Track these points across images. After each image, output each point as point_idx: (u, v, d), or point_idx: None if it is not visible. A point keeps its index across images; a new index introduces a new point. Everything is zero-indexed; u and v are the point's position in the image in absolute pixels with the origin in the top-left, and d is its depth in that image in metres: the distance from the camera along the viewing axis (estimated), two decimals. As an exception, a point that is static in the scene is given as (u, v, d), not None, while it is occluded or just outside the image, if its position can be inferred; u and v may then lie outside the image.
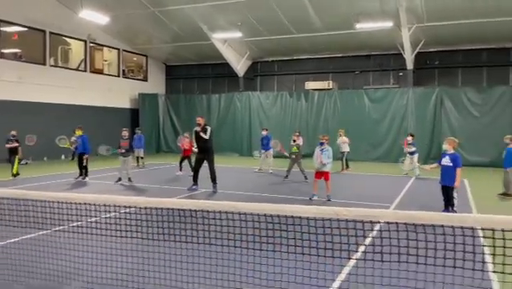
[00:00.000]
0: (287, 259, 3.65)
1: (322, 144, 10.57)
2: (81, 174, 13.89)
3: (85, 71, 23.00)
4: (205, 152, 11.75)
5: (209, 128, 11.75)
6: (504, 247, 2.99)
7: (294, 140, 14.31)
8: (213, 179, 11.83)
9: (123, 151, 12.94)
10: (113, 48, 24.81)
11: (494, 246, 3.01)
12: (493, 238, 3.02)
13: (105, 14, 18.90)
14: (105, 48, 24.76)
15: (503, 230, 2.93)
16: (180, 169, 15.26)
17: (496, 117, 19.01)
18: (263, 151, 16.43)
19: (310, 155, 19.73)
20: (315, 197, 10.59)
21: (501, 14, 16.78)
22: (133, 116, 25.61)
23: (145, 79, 27.27)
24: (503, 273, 2.96)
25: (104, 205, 3.93)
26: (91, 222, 4.34)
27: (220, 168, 14.08)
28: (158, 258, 4.06)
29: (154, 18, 20.93)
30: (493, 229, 3.08)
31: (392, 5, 17.35)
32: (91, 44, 23.21)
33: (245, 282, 3.79)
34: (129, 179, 13.05)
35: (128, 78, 26.37)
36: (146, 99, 26.03)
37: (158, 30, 22.42)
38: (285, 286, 3.69)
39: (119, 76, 25.34)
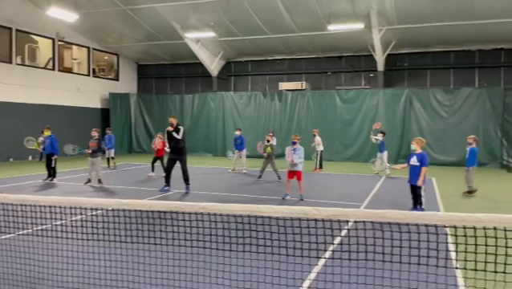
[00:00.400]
0: (257, 259, 3.65)
1: (294, 143, 10.64)
2: (49, 176, 13.51)
3: (53, 69, 22.39)
4: (178, 152, 11.63)
5: (181, 128, 11.64)
6: (465, 244, 3.09)
7: (268, 141, 14.37)
8: (186, 179, 11.74)
9: (91, 151, 12.60)
10: (83, 47, 24.26)
11: (457, 243, 3.10)
12: (456, 236, 3.11)
13: (74, 11, 18.47)
14: (74, 46, 24.18)
15: (464, 227, 3.03)
16: (153, 170, 15.06)
17: (463, 118, 19.64)
18: (236, 151, 16.43)
19: (284, 155, 19.97)
20: (288, 197, 10.65)
21: (468, 17, 17.34)
22: (104, 116, 25.12)
23: (116, 79, 26.78)
24: (465, 269, 3.05)
25: (70, 208, 3.84)
26: (57, 225, 4.23)
27: (193, 168, 14.00)
28: (126, 261, 3.99)
29: (125, 17, 20.59)
30: (455, 227, 3.18)
31: (363, 7, 17.66)
32: (60, 42, 22.63)
33: (214, 283, 3.77)
34: (99, 180, 12.77)
35: (99, 77, 25.84)
36: (117, 99, 25.57)
37: (130, 28, 22.06)
38: (255, 286, 3.69)
39: (89, 75, 24.80)
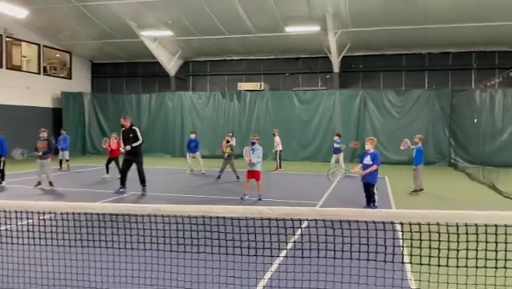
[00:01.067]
0: (212, 260, 3.65)
1: (253, 143, 10.71)
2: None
3: (1, 67, 21.27)
4: (133, 153, 11.34)
5: (137, 129, 11.37)
6: (411, 239, 3.24)
7: (228, 141, 14.35)
8: (142, 181, 11.50)
9: (41, 153, 12.04)
10: (33, 44, 23.20)
11: (403, 239, 3.25)
12: (401, 232, 3.26)
13: (24, 7, 17.64)
14: (24, 43, 23.08)
15: (410, 224, 3.18)
16: (107, 172, 14.65)
17: (413, 118, 20.50)
18: (191, 154, 16.22)
19: (242, 155, 20.03)
20: (247, 197, 10.70)
21: (418, 22, 18.10)
22: (56, 116, 24.11)
23: (69, 77, 25.81)
24: (411, 263, 3.20)
25: (16, 212, 3.67)
26: (2, 230, 4.03)
27: (151, 169, 13.76)
28: (76, 266, 3.87)
29: (78, 14, 19.85)
30: (401, 223, 3.33)
31: (319, 10, 18.02)
32: (8, 39, 21.52)
33: (168, 285, 3.73)
34: (50, 183, 12.24)
35: (50, 75, 24.80)
36: (70, 98, 24.64)
37: (83, 25, 21.31)
38: (210, 287, 3.69)
39: (39, 73, 23.74)
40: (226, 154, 13.88)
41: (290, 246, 4.18)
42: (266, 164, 12.95)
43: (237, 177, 13.65)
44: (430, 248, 3.18)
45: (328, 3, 17.42)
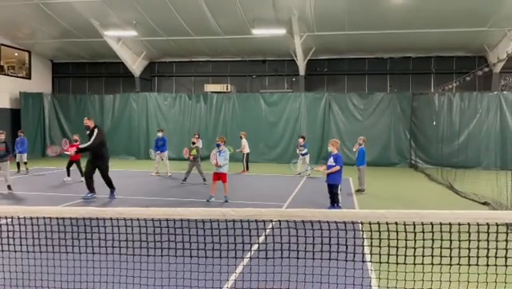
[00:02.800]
0: (175, 263, 3.62)
1: (219, 145, 10.69)
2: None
3: (-47, 65, 20.25)
4: (94, 157, 10.85)
5: (96, 131, 10.80)
6: (371, 238, 3.33)
7: (194, 143, 14.27)
8: (109, 184, 11.03)
9: (1, 155, 11.62)
10: (-11, 41, 22.22)
11: (363, 238, 3.34)
12: (362, 231, 3.35)
13: (-22, 2, 16.88)
14: (-21, 41, 22.08)
15: (370, 223, 3.28)
16: (68, 175, 14.20)
17: (376, 121, 21.08)
18: (158, 152, 16.01)
19: (209, 157, 19.92)
20: (213, 199, 10.67)
21: (379, 27, 18.64)
22: (14, 117, 23.16)
23: (28, 77, 24.87)
24: (371, 262, 3.29)
25: (-31, 218, 3.51)
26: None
27: (115, 172, 13.43)
28: (34, 272, 3.74)
29: (38, 11, 19.17)
30: (361, 223, 3.43)
31: (285, 13, 18.22)
32: (-39, 35, 20.52)
33: (131, 289, 3.67)
34: (8, 187, 11.77)
35: (8, 75, 23.79)
36: (29, 99, 23.74)
37: (43, 24, 20.59)
38: (174, 290, 3.66)
39: (-4, 73, 22.76)
40: (191, 157, 13.78)
41: (254, 247, 4.22)
42: (232, 166, 12.94)
43: (204, 180, 13.59)
44: (389, 246, 3.30)
45: (294, 6, 17.64)
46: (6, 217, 3.64)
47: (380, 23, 18.31)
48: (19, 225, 3.70)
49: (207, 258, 3.52)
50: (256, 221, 3.31)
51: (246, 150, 17.43)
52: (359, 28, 18.93)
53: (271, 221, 3.43)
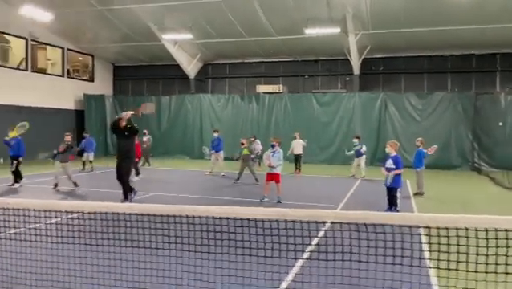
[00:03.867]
0: (235, 261, 3.66)
1: (273, 146, 10.69)
2: (16, 180, 12.85)
3: (26, 70, 21.82)
4: (125, 155, 10.11)
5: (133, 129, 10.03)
6: (438, 244, 3.18)
7: (242, 144, 14.37)
8: (128, 190, 10.08)
9: (60, 155, 12.23)
10: (57, 47, 23.73)
11: (430, 243, 3.19)
12: (429, 236, 3.20)
13: (48, 11, 18.06)
14: (48, 47, 23.63)
15: (438, 227, 3.12)
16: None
17: (435, 121, 20.15)
18: (213, 152, 16.33)
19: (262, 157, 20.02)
20: (266, 200, 10.68)
21: (439, 23, 17.83)
22: (79, 118, 24.63)
23: (92, 80, 26.31)
24: (438, 268, 3.14)
25: (45, 211, 3.76)
26: (31, 229, 4.13)
27: (170, 171, 13.89)
28: (103, 264, 3.93)
29: (101, 17, 20.26)
30: (428, 227, 3.27)
31: (340, 12, 17.93)
32: (33, 42, 22.08)
33: (192, 285, 3.76)
34: (75, 183, 12.44)
35: (73, 78, 25.33)
36: (92, 101, 25.12)
37: (105, 29, 21.72)
38: (234, 288, 3.70)
39: (63, 76, 24.27)
40: (240, 157, 13.87)
41: (312, 248, 4.17)
42: (285, 167, 12.91)
43: (256, 180, 13.66)
44: (458, 253, 3.13)
45: (349, 4, 17.31)
46: (78, 212, 3.86)
47: (440, 19, 17.50)
48: (89, 219, 3.91)
49: (266, 257, 3.53)
50: (316, 222, 3.27)
51: (300, 151, 17.26)
52: (417, 25, 18.21)
53: (324, 222, 3.35)
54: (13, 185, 12.69)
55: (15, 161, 12.69)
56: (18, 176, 12.83)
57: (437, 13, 17.01)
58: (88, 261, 4.04)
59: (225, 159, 16.94)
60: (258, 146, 17.85)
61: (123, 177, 10.01)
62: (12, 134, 12.96)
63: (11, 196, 11.13)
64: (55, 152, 12.23)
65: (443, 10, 16.73)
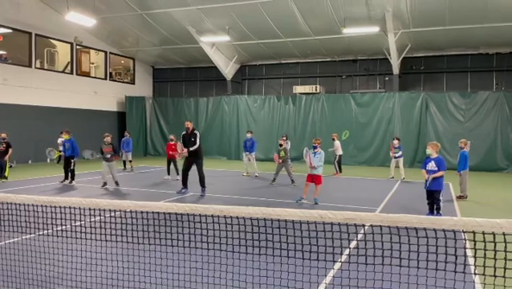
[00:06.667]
0: (273, 262, 3.66)
1: (315, 147, 10.59)
2: (66, 178, 13.71)
3: (71, 73, 22.79)
4: (194, 156, 11.69)
5: (197, 134, 11.71)
6: (484, 250, 3.05)
7: (281, 145, 14.34)
8: (202, 183, 11.78)
9: (109, 156, 12.89)
10: (100, 51, 24.64)
11: (475, 249, 3.06)
12: (474, 241, 3.07)
13: (92, 16, 18.78)
14: (92, 51, 24.58)
15: (483, 233, 2.99)
16: (168, 173, 15.17)
17: (480, 122, 19.34)
18: (246, 153, 16.40)
19: (297, 158, 19.92)
20: (303, 200, 10.62)
21: (483, 20, 17.11)
22: (120, 119, 25.47)
23: (132, 82, 27.12)
24: (484, 275, 3.02)
25: (89, 209, 3.91)
26: (76, 226, 4.31)
27: (207, 171, 14.01)
28: (144, 262, 4.04)
29: (142, 21, 20.86)
30: (473, 232, 3.14)
31: (379, 10, 17.56)
32: (78, 47, 23.01)
33: (230, 285, 3.79)
34: (116, 183, 12.95)
35: (115, 81, 26.21)
36: (133, 102, 25.90)
37: (146, 33, 22.35)
38: (270, 289, 3.70)
39: (106, 79, 25.17)
40: (281, 161, 13.82)
41: (349, 251, 4.10)
42: (324, 169, 12.77)
43: (292, 181, 13.60)
44: (506, 259, 2.98)
45: (388, 3, 16.93)
46: (120, 210, 3.98)
47: (485, 16, 16.79)
48: (131, 218, 4.03)
49: (304, 259, 3.50)
50: (355, 225, 3.21)
51: (339, 152, 17.03)
52: (460, 22, 17.57)
53: (371, 225, 3.28)
54: (63, 181, 13.67)
55: (72, 160, 13.60)
56: (71, 175, 13.66)
57: (482, 9, 16.33)
58: (130, 258, 4.16)
59: (259, 160, 16.87)
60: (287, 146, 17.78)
61: (198, 172, 11.76)
62: (66, 136, 14.10)
63: (62, 194, 11.69)
64: (108, 156, 12.81)
65: (489, 6, 16.05)
